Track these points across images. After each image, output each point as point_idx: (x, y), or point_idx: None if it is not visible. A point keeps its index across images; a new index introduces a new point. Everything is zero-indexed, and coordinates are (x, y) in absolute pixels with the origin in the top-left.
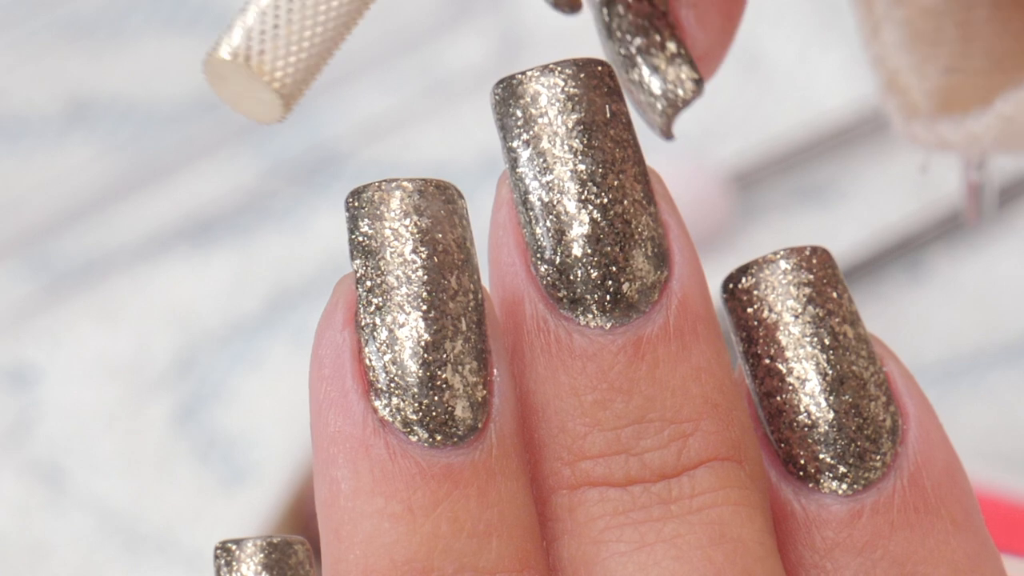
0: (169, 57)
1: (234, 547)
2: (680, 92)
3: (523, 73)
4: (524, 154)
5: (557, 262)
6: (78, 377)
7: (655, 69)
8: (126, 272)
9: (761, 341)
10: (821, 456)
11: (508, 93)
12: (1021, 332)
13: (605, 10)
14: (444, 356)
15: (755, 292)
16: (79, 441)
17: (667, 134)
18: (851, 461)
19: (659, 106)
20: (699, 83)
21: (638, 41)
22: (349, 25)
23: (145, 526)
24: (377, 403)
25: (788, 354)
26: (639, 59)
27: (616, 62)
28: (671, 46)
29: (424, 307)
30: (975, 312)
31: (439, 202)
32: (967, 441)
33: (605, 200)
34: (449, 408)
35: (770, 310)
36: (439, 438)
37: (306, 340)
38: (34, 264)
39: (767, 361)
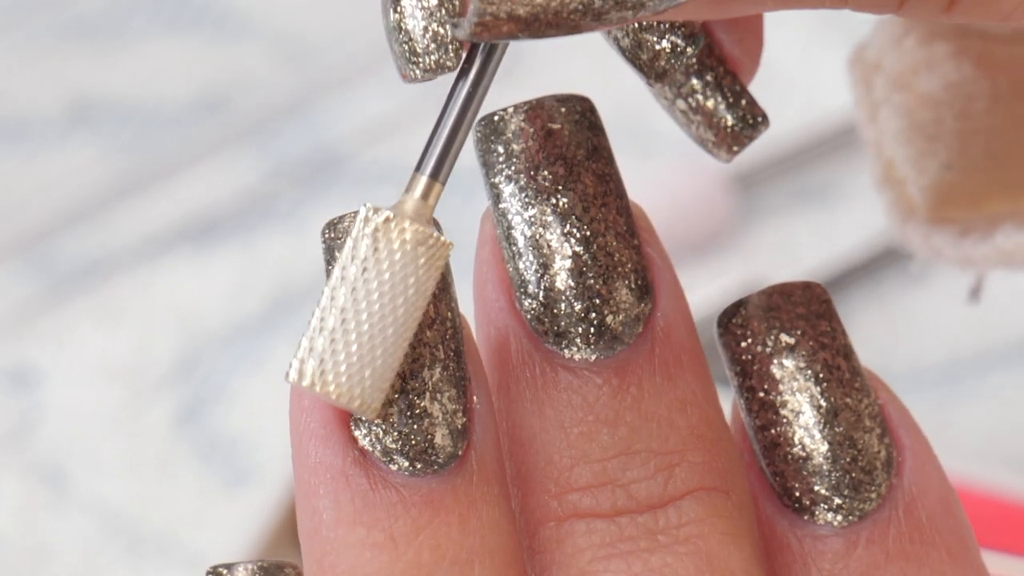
0: (171, 58)
1: (225, 572)
2: (748, 132)
3: (504, 110)
4: (506, 190)
5: (541, 296)
6: (80, 379)
7: (723, 106)
8: (128, 273)
9: (755, 375)
10: (816, 488)
11: (489, 130)
12: (1021, 334)
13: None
14: (423, 384)
15: (749, 327)
16: (81, 443)
17: (730, 160)
18: (846, 493)
19: (728, 140)
20: (766, 118)
21: (696, 80)
22: (412, 325)
23: (147, 528)
24: (357, 433)
25: (782, 387)
26: (704, 96)
27: (669, 98)
28: (729, 81)
29: None
30: (976, 314)
31: None
32: (968, 442)
33: (587, 233)
34: (429, 436)
35: (764, 344)
36: (419, 466)
37: None
38: (36, 265)
39: (761, 395)
